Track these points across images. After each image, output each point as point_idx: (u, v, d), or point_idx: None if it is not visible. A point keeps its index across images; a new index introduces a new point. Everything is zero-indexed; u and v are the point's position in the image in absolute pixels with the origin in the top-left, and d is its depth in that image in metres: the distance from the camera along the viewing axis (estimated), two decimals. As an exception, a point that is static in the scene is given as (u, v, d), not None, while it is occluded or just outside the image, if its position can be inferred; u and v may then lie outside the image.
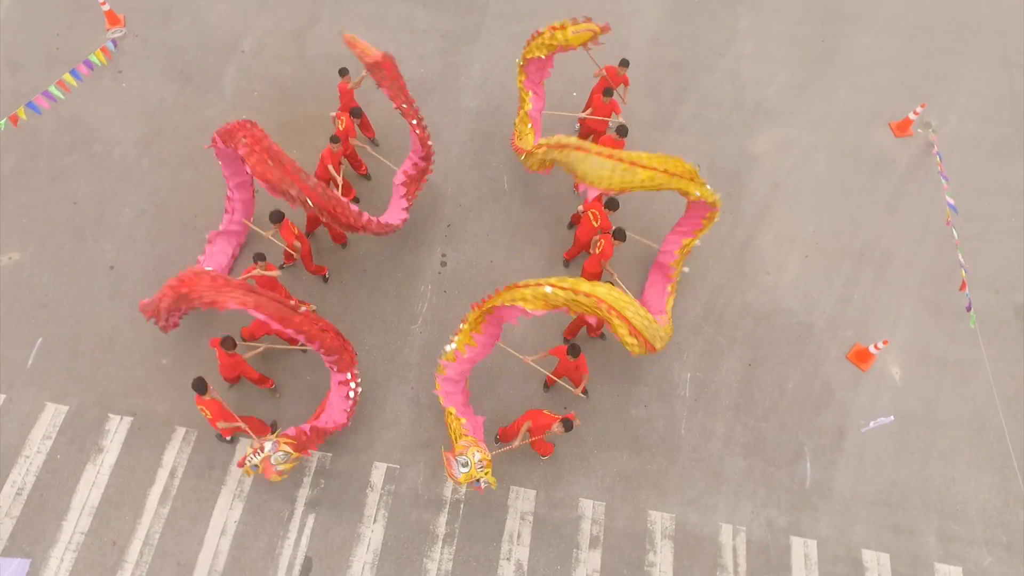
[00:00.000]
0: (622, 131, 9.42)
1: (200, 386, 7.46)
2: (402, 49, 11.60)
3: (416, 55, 11.53)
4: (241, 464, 7.49)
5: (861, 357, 9.23)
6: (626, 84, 10.05)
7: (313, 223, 9.54)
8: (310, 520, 8.18)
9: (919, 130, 11.26)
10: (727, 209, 10.42)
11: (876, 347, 9.01)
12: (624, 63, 9.76)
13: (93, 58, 9.88)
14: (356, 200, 10.03)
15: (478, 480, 7.00)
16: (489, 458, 7.06)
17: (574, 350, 7.71)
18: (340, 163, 9.36)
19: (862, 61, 12.01)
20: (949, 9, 12.70)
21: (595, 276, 9.02)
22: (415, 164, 9.50)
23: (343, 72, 9.72)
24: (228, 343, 7.79)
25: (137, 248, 9.73)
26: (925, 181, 10.78)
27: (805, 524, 8.33)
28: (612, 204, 8.97)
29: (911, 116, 11.11)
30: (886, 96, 11.61)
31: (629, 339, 7.18)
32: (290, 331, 7.37)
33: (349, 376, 7.90)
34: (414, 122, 8.97)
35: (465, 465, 6.93)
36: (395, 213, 9.36)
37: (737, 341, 9.40)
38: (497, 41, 11.79)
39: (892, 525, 8.33)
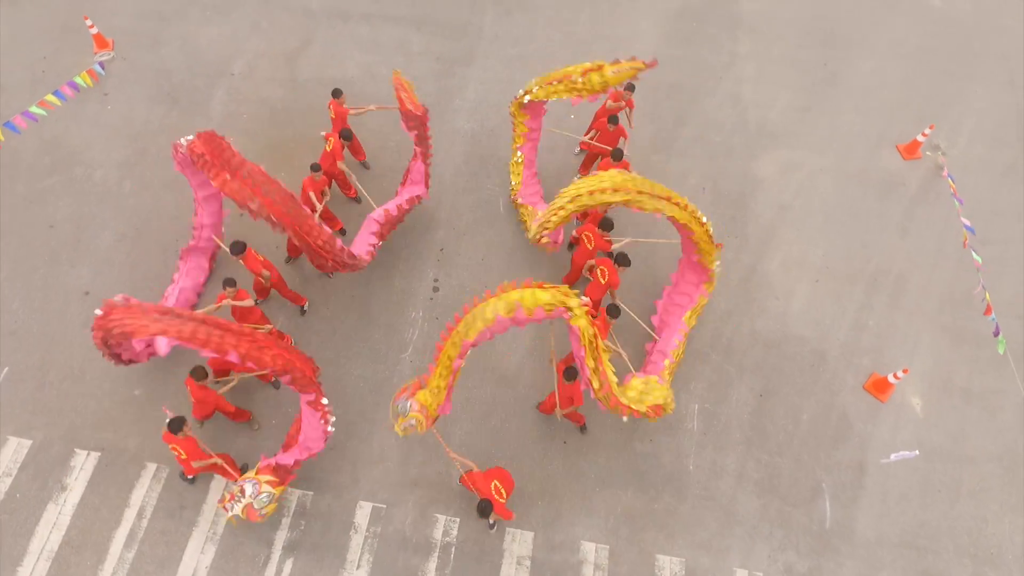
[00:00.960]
0: (617, 155, 9.07)
1: (177, 425, 6.88)
2: (396, 72, 11.38)
3: (410, 77, 11.08)
4: (225, 508, 6.98)
5: (879, 387, 8.68)
6: (631, 107, 9.69)
7: (295, 249, 9.11)
8: (288, 565, 7.53)
9: (928, 152, 10.93)
10: (732, 232, 10.01)
11: (896, 376, 8.47)
12: (629, 87, 9.42)
13: (79, 80, 9.62)
14: (343, 232, 9.57)
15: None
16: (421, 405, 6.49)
17: (570, 373, 7.36)
18: (324, 191, 8.98)
19: (865, 84, 11.77)
20: (951, 34, 12.53)
21: (595, 304, 8.56)
22: (399, 207, 9.08)
23: (337, 93, 9.40)
24: (198, 373, 7.27)
25: (115, 273, 9.27)
26: (936, 204, 10.39)
27: (827, 569, 7.66)
28: (606, 225, 8.64)
29: (919, 138, 10.79)
30: (892, 119, 11.32)
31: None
32: (227, 356, 6.49)
33: (314, 397, 7.09)
34: (425, 166, 9.15)
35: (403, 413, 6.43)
36: (362, 245, 8.71)
37: (747, 370, 8.87)
38: (492, 64, 11.56)
39: (922, 571, 7.66)
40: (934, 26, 12.63)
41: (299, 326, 8.96)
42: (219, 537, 7.65)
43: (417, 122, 8.66)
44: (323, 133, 9.43)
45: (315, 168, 8.75)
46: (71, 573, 7.42)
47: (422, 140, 8.93)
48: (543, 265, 9.55)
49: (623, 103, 9.50)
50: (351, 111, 9.48)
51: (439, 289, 9.35)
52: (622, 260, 8.22)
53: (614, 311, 7.79)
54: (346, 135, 9.26)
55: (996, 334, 8.06)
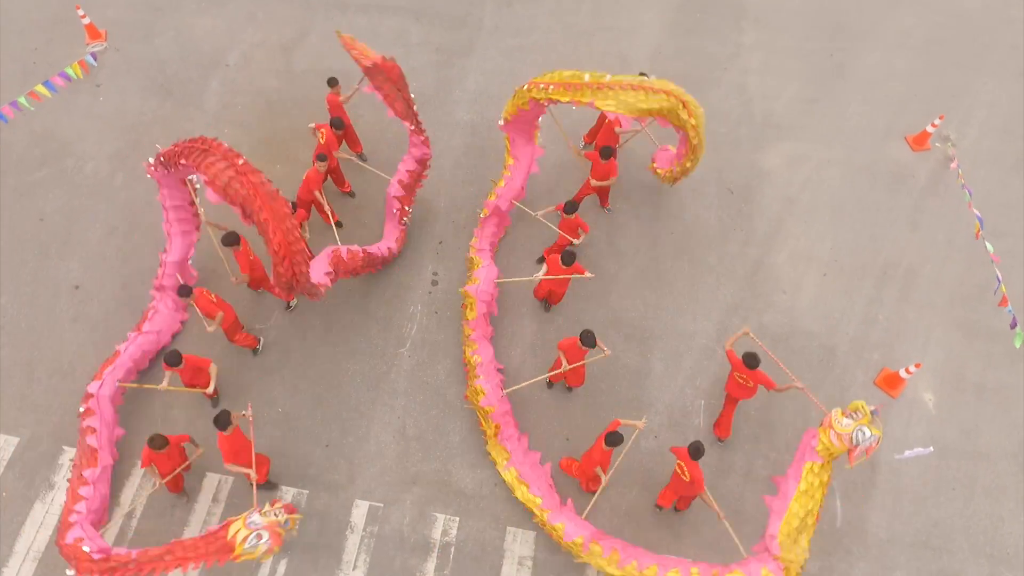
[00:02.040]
0: (606, 153, 8.95)
1: (224, 421, 6.57)
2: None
3: (408, 68, 10.86)
4: (231, 555, 5.99)
5: (890, 382, 8.45)
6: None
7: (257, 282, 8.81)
8: (282, 567, 7.30)
9: (937, 144, 10.71)
10: (738, 226, 9.80)
11: (908, 371, 8.24)
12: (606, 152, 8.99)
13: (70, 71, 9.39)
14: (339, 225, 9.34)
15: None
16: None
17: (568, 256, 7.81)
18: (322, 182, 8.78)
19: (873, 76, 11.55)
20: (959, 25, 12.31)
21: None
22: (409, 171, 8.86)
23: (332, 82, 9.18)
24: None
25: (105, 267, 9.05)
26: (947, 196, 10.16)
27: (838, 570, 7.42)
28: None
29: (928, 129, 10.57)
30: (900, 110, 11.10)
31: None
32: None
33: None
34: (411, 127, 8.45)
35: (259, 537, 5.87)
36: (390, 237, 8.78)
37: (754, 365, 8.63)
38: (493, 55, 11.35)
39: (936, 571, 7.43)
40: (942, 17, 12.42)
41: (294, 322, 8.74)
42: (211, 537, 7.41)
43: (379, 73, 7.86)
44: (312, 124, 9.10)
45: (320, 159, 8.55)
46: (58, 574, 7.18)
47: (392, 96, 8.02)
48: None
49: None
50: (343, 99, 9.24)
51: (438, 283, 9.12)
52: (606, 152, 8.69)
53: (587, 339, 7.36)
54: (337, 124, 8.97)
55: (1013, 326, 7.83)
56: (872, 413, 6.05)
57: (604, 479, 6.97)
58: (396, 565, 7.33)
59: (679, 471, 6.88)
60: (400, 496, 7.70)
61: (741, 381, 7.37)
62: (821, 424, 6.28)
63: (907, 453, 7.81)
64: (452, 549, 7.42)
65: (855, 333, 8.94)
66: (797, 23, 12.19)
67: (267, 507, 6.09)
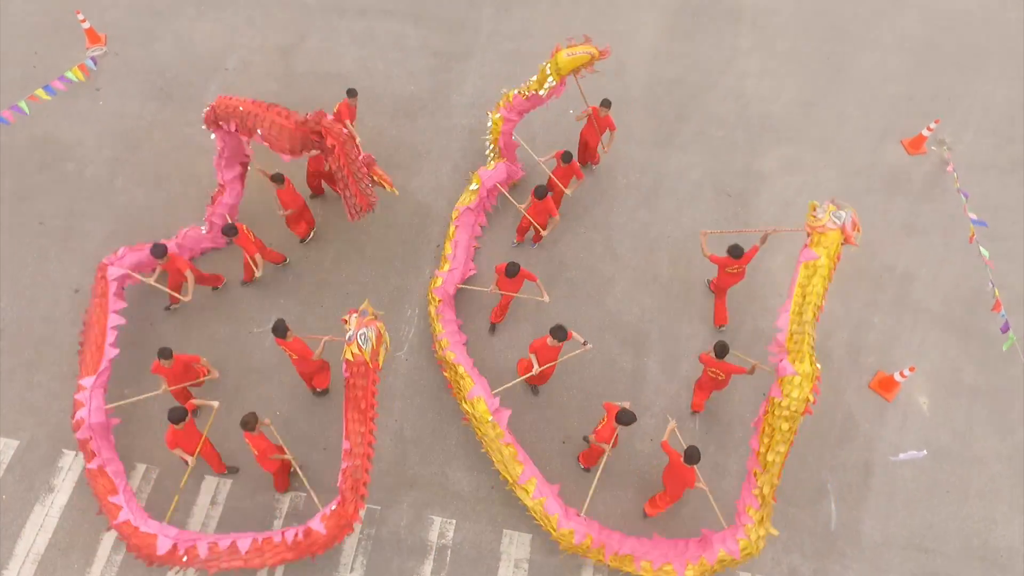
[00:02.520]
0: (606, 103, 9.13)
1: (249, 423, 6.77)
2: (392, 67, 11.23)
3: (406, 72, 11.13)
4: (372, 368, 6.39)
5: (885, 386, 8.50)
6: (612, 128, 9.29)
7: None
8: (280, 568, 7.35)
9: (933, 148, 10.75)
10: (735, 229, 9.83)
11: (902, 375, 8.28)
12: (606, 103, 9.06)
13: (70, 74, 9.46)
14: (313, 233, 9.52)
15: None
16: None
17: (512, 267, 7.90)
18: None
19: (870, 79, 11.60)
20: (956, 28, 12.35)
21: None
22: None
23: (352, 93, 9.16)
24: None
25: (105, 270, 9.10)
26: (943, 200, 10.21)
27: (832, 572, 7.47)
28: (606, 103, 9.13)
29: (924, 133, 10.61)
30: (897, 114, 11.15)
31: None
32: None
33: None
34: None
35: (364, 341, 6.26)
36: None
37: (749, 369, 8.68)
38: (491, 59, 11.40)
39: (930, 573, 7.47)
40: (939, 19, 12.46)
41: (293, 323, 8.74)
42: (209, 539, 7.46)
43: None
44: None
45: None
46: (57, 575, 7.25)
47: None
48: (541, 261, 9.38)
49: (588, 114, 9.25)
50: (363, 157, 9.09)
51: (435, 286, 9.17)
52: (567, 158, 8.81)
53: (559, 333, 7.29)
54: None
55: (1005, 331, 7.87)
56: (829, 202, 6.56)
57: (536, 368, 7.43)
58: (393, 567, 7.39)
59: (712, 376, 7.61)
60: (397, 499, 7.75)
61: (733, 271, 8.23)
62: (807, 242, 6.72)
63: (901, 456, 7.90)
64: (449, 552, 7.47)
65: (850, 337, 8.98)
66: (794, 26, 12.24)
67: (344, 327, 6.41)
